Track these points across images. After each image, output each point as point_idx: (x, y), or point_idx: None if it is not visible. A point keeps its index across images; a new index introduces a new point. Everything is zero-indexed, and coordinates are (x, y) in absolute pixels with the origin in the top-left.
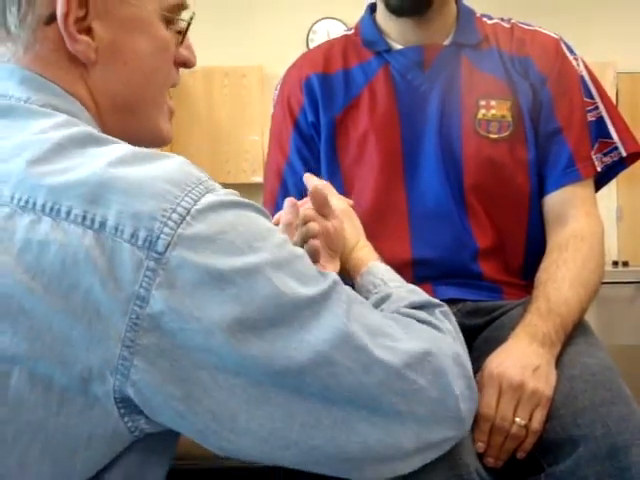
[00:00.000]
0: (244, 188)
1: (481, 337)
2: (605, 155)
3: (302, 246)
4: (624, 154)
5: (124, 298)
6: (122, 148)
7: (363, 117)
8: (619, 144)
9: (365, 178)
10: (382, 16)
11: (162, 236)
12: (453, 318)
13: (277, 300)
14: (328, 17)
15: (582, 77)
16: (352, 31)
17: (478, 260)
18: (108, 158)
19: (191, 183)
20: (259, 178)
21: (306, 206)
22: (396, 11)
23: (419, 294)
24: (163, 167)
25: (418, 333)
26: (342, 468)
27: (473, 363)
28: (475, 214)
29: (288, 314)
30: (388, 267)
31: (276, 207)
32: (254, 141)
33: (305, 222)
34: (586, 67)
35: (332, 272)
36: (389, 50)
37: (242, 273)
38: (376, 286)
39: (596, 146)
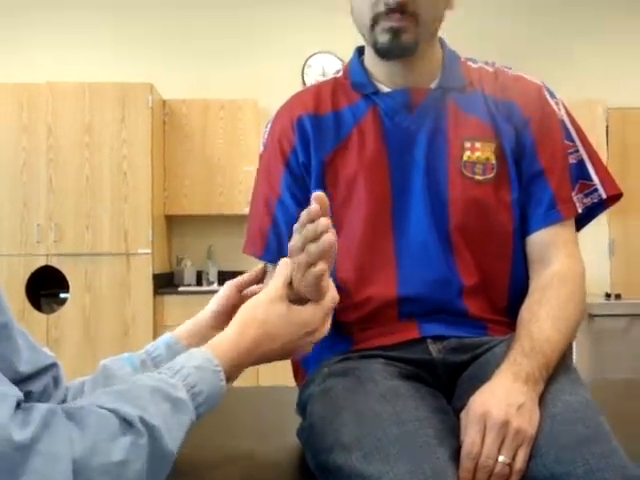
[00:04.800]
0: (237, 219)
1: (465, 374)
2: (586, 196)
3: (310, 266)
4: (604, 196)
5: None
6: None
7: (352, 158)
8: (599, 186)
9: (354, 218)
10: (370, 59)
11: None
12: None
13: None
14: (323, 51)
15: (562, 121)
16: (340, 74)
17: (463, 298)
18: None
19: None
20: None
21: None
22: (384, 55)
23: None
24: None
25: None
26: None
27: (457, 400)
28: (460, 253)
29: None
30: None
31: (267, 244)
32: (248, 172)
33: (312, 239)
34: (567, 111)
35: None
36: (377, 92)
37: None
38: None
39: (577, 187)
